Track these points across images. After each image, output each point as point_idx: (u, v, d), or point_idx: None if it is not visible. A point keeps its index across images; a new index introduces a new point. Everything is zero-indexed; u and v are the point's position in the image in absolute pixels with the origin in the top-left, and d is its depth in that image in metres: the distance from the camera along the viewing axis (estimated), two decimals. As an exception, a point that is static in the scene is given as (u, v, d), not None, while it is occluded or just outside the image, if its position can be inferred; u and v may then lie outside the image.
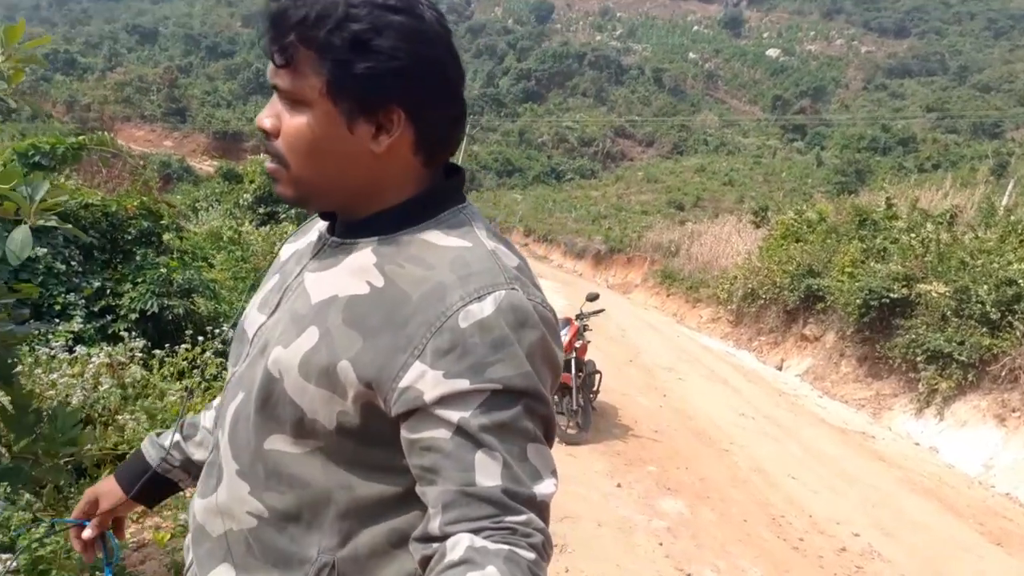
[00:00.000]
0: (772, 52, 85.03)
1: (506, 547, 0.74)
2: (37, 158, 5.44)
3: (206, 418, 1.18)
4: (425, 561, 0.78)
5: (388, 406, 0.81)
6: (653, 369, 9.66)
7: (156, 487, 1.17)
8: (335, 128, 0.85)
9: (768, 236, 15.24)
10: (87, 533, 1.15)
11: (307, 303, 0.90)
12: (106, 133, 6.09)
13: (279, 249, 1.11)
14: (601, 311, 6.48)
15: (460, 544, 0.74)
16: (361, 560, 0.88)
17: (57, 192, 2.36)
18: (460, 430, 0.77)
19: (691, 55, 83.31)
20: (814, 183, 37.62)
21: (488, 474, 0.77)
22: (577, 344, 5.93)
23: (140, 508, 1.25)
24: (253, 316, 1.00)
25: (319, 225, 1.02)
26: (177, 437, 1.17)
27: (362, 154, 0.86)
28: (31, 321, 2.24)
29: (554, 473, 0.82)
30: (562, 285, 17.87)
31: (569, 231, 30.05)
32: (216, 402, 1.09)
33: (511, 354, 0.80)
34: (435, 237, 0.89)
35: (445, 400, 0.78)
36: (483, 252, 0.87)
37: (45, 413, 2.46)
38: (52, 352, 3.69)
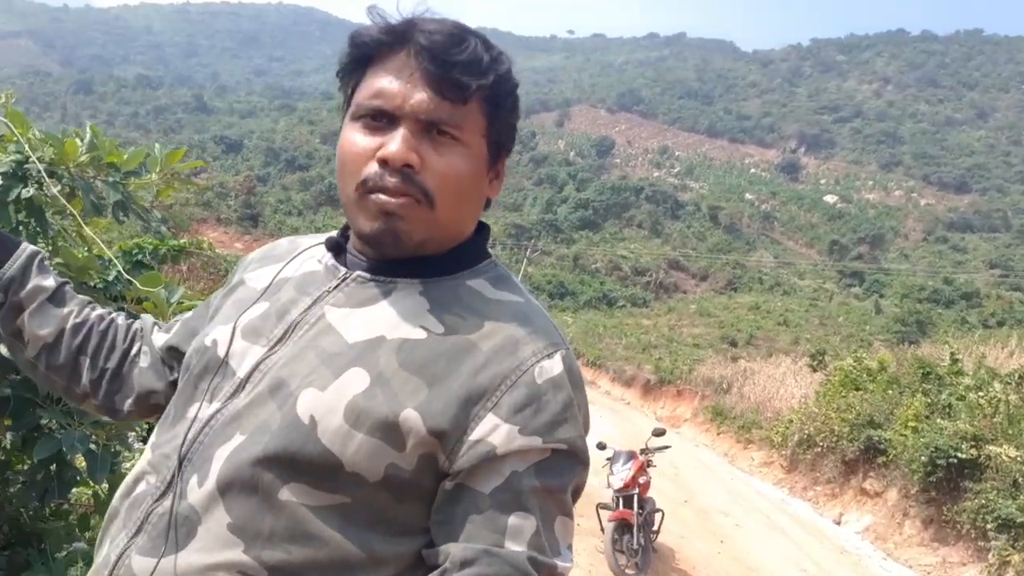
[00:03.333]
0: (829, 198, 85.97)
1: None
2: (140, 257, 5.84)
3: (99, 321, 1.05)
4: None
5: (452, 458, 0.79)
6: (709, 512, 9.33)
7: None
8: (481, 170, 0.88)
9: (826, 381, 14.91)
10: None
11: (340, 342, 0.84)
12: (204, 238, 6.53)
13: (240, 275, 1.02)
14: (667, 448, 6.40)
15: None
16: None
17: (191, 296, 2.59)
18: (507, 486, 0.77)
19: (747, 195, 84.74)
20: (873, 330, 36.89)
21: (518, 539, 0.76)
22: (641, 480, 5.84)
23: None
24: (239, 345, 0.89)
25: (315, 254, 0.96)
26: (54, 283, 1.04)
27: (483, 197, 0.91)
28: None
29: (570, 548, 0.83)
30: (610, 413, 17.63)
31: (618, 358, 29.86)
32: (162, 438, 0.89)
33: (574, 415, 0.82)
34: (484, 288, 0.89)
35: (513, 455, 0.78)
36: (537, 308, 0.90)
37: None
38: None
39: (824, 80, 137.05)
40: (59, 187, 2.45)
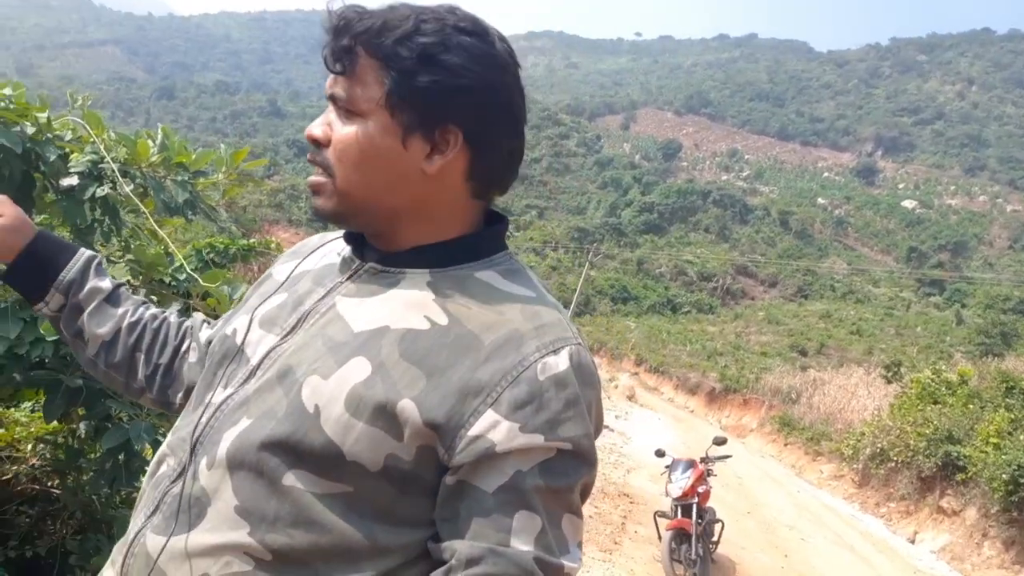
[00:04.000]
0: (908, 203, 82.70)
1: None
2: (212, 256, 6.05)
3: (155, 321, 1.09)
4: None
5: (450, 452, 0.78)
6: (773, 524, 9.07)
7: (39, 276, 1.04)
8: (389, 140, 0.83)
9: (901, 394, 14.32)
10: None
11: (346, 330, 0.84)
12: (272, 239, 6.71)
13: (270, 269, 1.06)
14: (728, 457, 6.26)
15: None
16: None
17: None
18: (511, 486, 0.76)
19: (820, 200, 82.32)
20: (953, 342, 35.26)
21: (524, 538, 0.75)
22: (700, 489, 5.72)
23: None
24: (256, 334, 0.91)
25: (336, 247, 0.98)
26: (110, 284, 1.08)
27: (412, 172, 0.84)
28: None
29: (580, 545, 0.81)
30: (673, 421, 17.35)
31: (682, 365, 29.38)
32: (182, 422, 0.93)
33: (580, 413, 0.79)
34: (494, 280, 0.87)
35: (515, 453, 0.76)
36: (549, 302, 0.87)
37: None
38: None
39: (904, 81, 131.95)
40: (132, 186, 2.55)
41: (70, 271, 1.06)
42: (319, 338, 0.85)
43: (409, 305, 0.85)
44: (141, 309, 1.11)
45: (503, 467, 0.77)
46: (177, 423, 0.95)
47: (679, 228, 69.35)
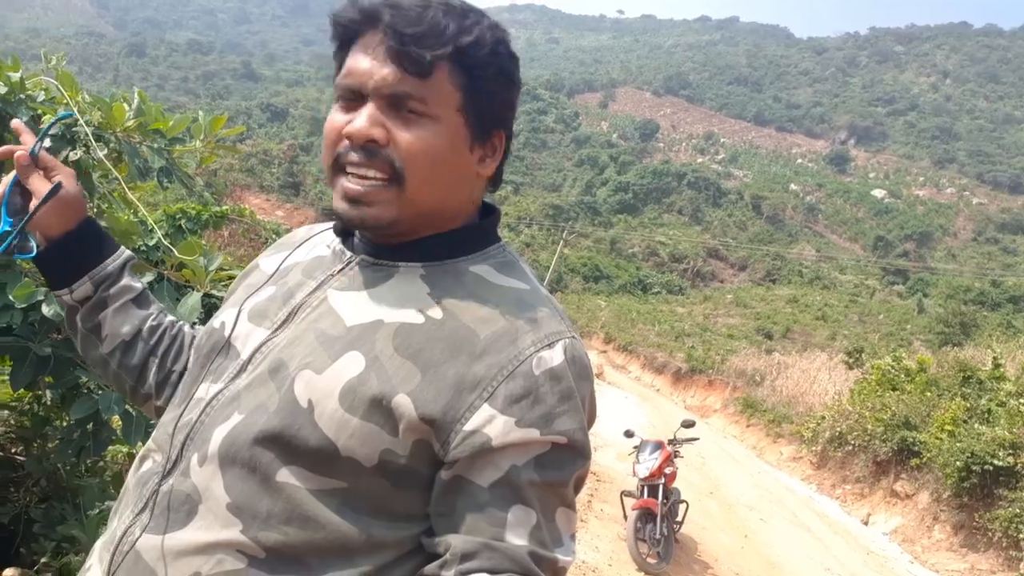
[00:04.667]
0: (877, 192, 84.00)
1: None
2: (183, 222, 5.96)
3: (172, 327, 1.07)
4: None
5: (445, 447, 0.78)
6: (734, 505, 9.28)
7: (78, 261, 1.01)
8: (459, 145, 0.84)
9: (861, 379, 14.66)
10: (21, 153, 0.97)
11: (339, 324, 0.83)
12: (245, 206, 6.62)
13: (256, 260, 1.05)
14: (696, 440, 6.37)
15: None
16: None
17: (230, 264, 2.62)
18: (506, 480, 0.76)
19: (792, 186, 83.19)
20: (914, 330, 36.11)
21: (518, 532, 0.75)
22: (667, 471, 5.82)
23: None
24: (244, 328, 0.90)
25: (325, 239, 0.97)
26: (140, 285, 1.07)
27: (470, 176, 0.87)
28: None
29: (573, 537, 0.82)
30: (640, 399, 17.57)
31: (650, 344, 29.71)
32: (167, 417, 0.91)
33: (574, 407, 0.80)
34: (488, 274, 0.87)
35: (510, 447, 0.76)
36: (543, 296, 0.87)
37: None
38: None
39: (880, 71, 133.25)
40: (105, 151, 2.49)
41: (111, 263, 1.04)
42: (311, 332, 0.84)
43: (403, 299, 0.84)
44: (162, 315, 1.09)
45: (498, 462, 0.77)
46: (163, 417, 0.93)
47: (653, 209, 69.67)
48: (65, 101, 2.53)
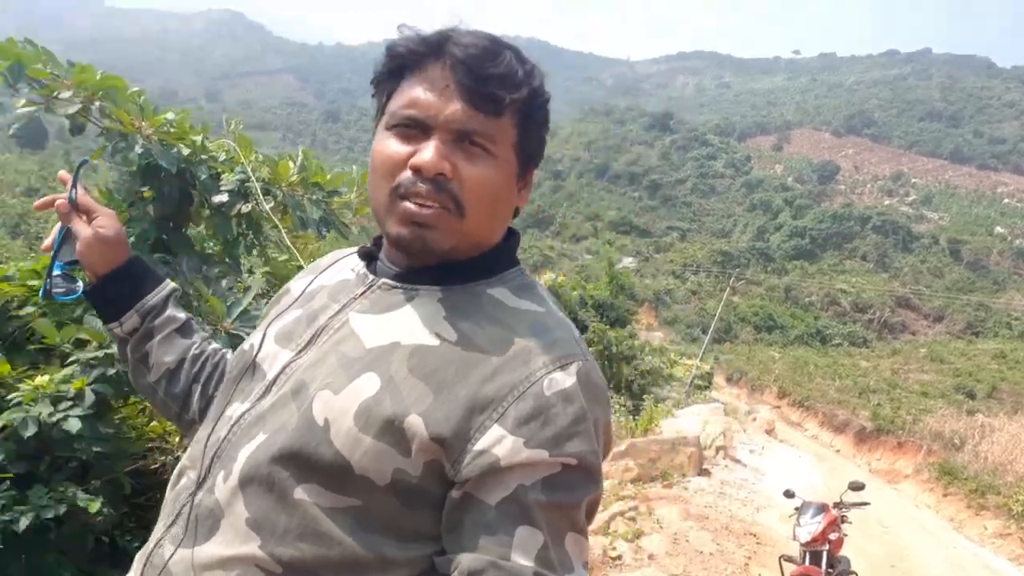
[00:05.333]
0: (1105, 234, 73.50)
1: None
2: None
3: (208, 352, 1.12)
4: None
5: (456, 467, 0.78)
6: (919, 581, 8.31)
7: (124, 295, 1.09)
8: (511, 180, 0.90)
9: (1087, 449, 12.70)
10: (62, 202, 1.06)
11: (359, 346, 0.86)
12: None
13: (290, 284, 1.08)
14: (865, 504, 5.81)
15: None
16: None
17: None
18: (513, 498, 0.76)
19: (998, 229, 74.89)
20: None
21: (525, 552, 0.75)
22: (832, 536, 5.34)
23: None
24: (271, 349, 0.94)
25: (350, 263, 1.00)
26: (184, 316, 1.13)
27: (512, 207, 0.93)
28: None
29: (585, 565, 0.80)
30: (816, 460, 16.32)
31: (830, 400, 27.59)
32: (200, 434, 0.96)
33: (586, 429, 0.79)
34: (505, 296, 0.89)
35: (518, 467, 0.76)
36: (559, 318, 0.89)
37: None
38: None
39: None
40: (272, 204, 2.78)
41: (155, 296, 1.11)
42: (333, 354, 0.88)
43: (421, 321, 0.87)
44: (205, 343, 1.15)
45: (507, 480, 0.77)
46: (197, 434, 0.97)
47: (833, 255, 65.48)
48: (241, 161, 2.85)
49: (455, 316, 0.87)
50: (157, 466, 3.64)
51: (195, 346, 1.14)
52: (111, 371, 2.37)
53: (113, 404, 2.65)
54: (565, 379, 0.81)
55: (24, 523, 2.60)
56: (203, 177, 2.58)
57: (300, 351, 0.92)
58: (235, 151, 2.82)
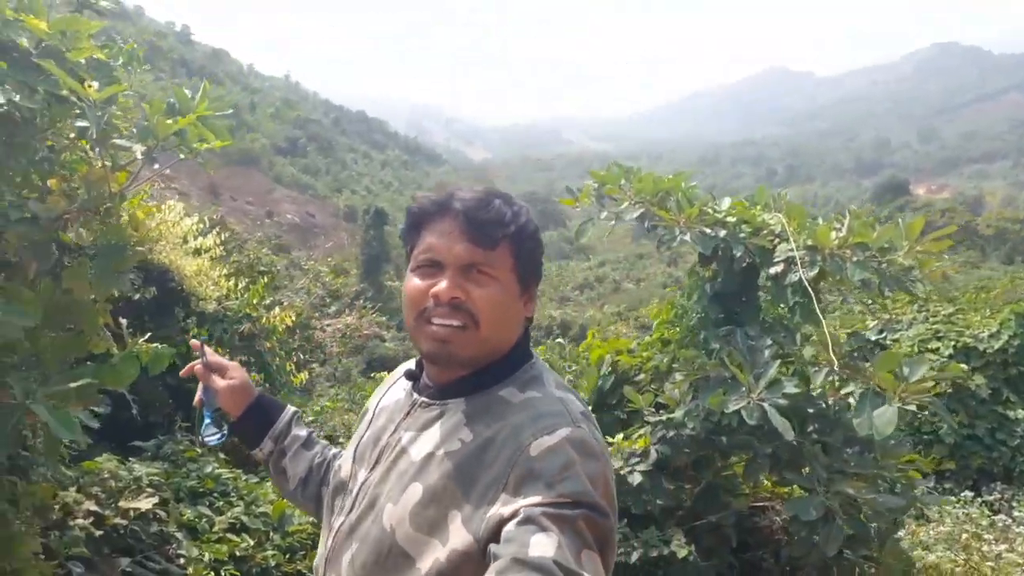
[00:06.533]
0: None
1: None
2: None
3: (326, 463, 1.34)
4: None
5: (476, 537, 0.94)
6: None
7: (258, 426, 1.35)
8: (514, 297, 1.11)
9: None
10: (198, 367, 1.37)
11: (409, 461, 1.07)
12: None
13: (369, 403, 1.28)
14: None
15: None
16: None
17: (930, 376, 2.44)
18: (524, 519, 0.88)
19: None
20: None
21: (542, 549, 0.85)
22: None
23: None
24: (350, 469, 1.17)
25: (402, 383, 1.21)
26: (305, 432, 1.37)
27: (520, 318, 1.13)
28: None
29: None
30: None
31: None
32: (320, 541, 1.19)
33: (576, 474, 0.93)
34: (511, 395, 1.08)
35: (521, 509, 0.90)
36: (551, 399, 1.06)
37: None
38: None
39: None
40: (816, 270, 2.74)
41: (280, 422, 1.38)
42: (392, 471, 1.09)
43: (448, 432, 1.07)
44: (327, 450, 1.39)
45: (514, 515, 0.91)
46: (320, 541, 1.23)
47: None
48: (789, 234, 2.92)
49: (473, 422, 1.06)
50: (766, 523, 3.85)
51: (317, 455, 1.38)
52: (671, 434, 2.71)
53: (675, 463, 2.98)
54: (551, 440, 0.97)
55: (635, 556, 3.16)
56: (748, 249, 2.76)
57: (371, 469, 1.14)
58: (784, 226, 2.89)
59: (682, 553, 3.04)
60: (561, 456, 0.95)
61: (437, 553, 0.99)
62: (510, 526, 0.91)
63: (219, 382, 1.37)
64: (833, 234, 2.69)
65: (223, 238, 6.40)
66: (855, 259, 2.60)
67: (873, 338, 7.09)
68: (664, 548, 3.12)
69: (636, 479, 2.68)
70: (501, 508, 0.94)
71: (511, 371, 1.12)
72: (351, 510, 1.13)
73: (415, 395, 1.18)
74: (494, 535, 0.93)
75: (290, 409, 1.42)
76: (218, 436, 1.39)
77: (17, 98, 1.83)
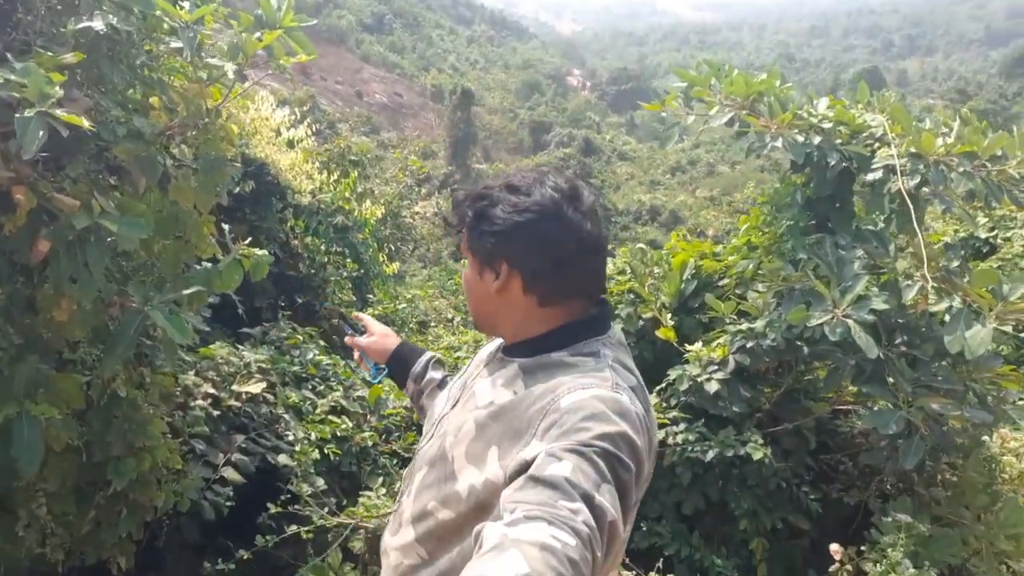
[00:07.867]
0: None
1: (546, 529, 0.79)
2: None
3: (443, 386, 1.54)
4: (476, 535, 0.85)
5: (506, 472, 1.01)
6: None
7: (401, 370, 1.62)
8: (475, 274, 1.24)
9: None
10: (348, 340, 1.72)
11: (474, 403, 1.21)
12: None
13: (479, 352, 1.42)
14: None
15: (496, 529, 0.81)
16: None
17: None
18: (546, 453, 0.93)
19: None
20: None
21: (557, 469, 0.89)
22: None
23: None
24: (441, 406, 1.36)
25: (498, 341, 1.32)
26: (440, 375, 1.59)
27: (488, 294, 1.22)
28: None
29: (619, 511, 0.89)
30: None
31: None
32: (409, 467, 1.36)
33: (601, 425, 0.97)
34: (563, 356, 1.16)
35: (542, 452, 0.94)
36: (600, 365, 1.12)
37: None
38: None
39: None
40: (918, 179, 2.60)
41: (418, 366, 1.62)
42: (463, 410, 1.25)
43: (506, 383, 1.20)
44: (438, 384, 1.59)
45: (536, 456, 0.96)
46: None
47: None
48: (893, 138, 2.76)
49: (526, 376, 1.18)
50: (846, 428, 3.86)
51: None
52: (751, 344, 2.71)
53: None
54: (580, 396, 1.03)
55: (711, 455, 3.25)
56: (866, 155, 2.65)
57: (453, 406, 1.32)
58: (885, 129, 2.72)
59: (758, 455, 3.10)
60: (588, 409, 1.00)
61: (474, 480, 1.12)
62: (533, 463, 0.96)
63: (362, 341, 1.71)
64: (939, 140, 2.52)
65: (314, 129, 6.53)
66: (961, 169, 2.44)
67: (983, 236, 6.68)
68: (740, 448, 3.18)
69: (713, 387, 2.73)
70: (527, 451, 1.00)
71: (570, 342, 1.20)
72: (431, 438, 1.31)
73: (499, 352, 1.32)
74: (519, 474, 0.98)
75: (427, 354, 1.66)
76: (375, 376, 1.72)
77: (115, 21, 1.91)
